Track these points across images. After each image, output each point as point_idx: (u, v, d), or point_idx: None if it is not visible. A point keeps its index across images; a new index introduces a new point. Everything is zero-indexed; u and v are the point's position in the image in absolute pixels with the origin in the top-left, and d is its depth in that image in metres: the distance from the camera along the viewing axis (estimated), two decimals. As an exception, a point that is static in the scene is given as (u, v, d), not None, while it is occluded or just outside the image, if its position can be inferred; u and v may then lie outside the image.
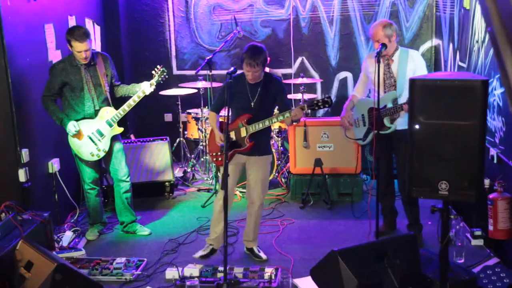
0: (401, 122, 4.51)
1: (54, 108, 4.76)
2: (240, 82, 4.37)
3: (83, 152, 4.81)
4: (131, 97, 4.87)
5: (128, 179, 5.02)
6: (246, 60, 4.22)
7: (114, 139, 4.90)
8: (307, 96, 6.42)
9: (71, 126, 4.70)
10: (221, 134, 4.49)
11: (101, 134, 4.81)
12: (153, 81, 4.90)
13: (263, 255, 4.56)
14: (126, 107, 4.83)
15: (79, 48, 4.59)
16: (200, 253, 4.56)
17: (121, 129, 4.95)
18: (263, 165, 4.49)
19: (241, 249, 4.70)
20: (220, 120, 4.72)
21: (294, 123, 4.80)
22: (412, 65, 4.53)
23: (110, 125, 4.83)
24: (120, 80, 5.17)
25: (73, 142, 4.80)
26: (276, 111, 4.74)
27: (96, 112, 4.80)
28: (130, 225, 5.09)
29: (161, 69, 4.97)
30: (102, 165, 5.13)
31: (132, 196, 5.11)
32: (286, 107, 4.43)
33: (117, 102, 4.99)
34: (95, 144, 4.81)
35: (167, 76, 5.05)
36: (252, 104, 4.39)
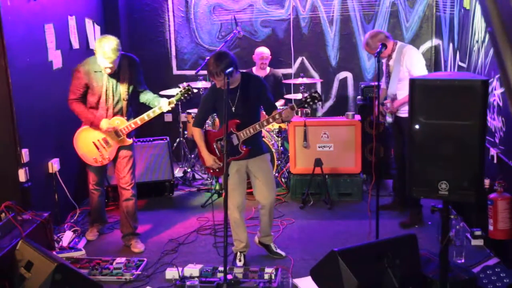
0: (404, 110, 4.85)
1: (82, 110, 4.60)
2: (218, 90, 4.23)
3: (86, 156, 4.75)
4: (150, 107, 4.69)
5: (129, 187, 4.81)
6: (208, 73, 4.13)
7: (122, 147, 4.76)
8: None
9: (105, 124, 4.58)
10: (210, 156, 4.40)
11: (108, 143, 4.70)
12: (173, 99, 4.68)
13: (281, 252, 4.60)
14: (138, 121, 4.65)
15: (103, 64, 4.44)
16: (239, 264, 4.43)
17: (130, 141, 4.75)
18: (265, 164, 4.45)
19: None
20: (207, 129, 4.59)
21: (285, 123, 4.81)
22: (403, 60, 4.90)
23: (119, 136, 4.68)
24: (145, 86, 4.86)
25: (78, 146, 4.74)
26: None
27: None
28: (127, 237, 4.90)
29: (187, 88, 4.72)
30: (107, 167, 5.07)
31: (134, 205, 4.87)
32: (271, 105, 4.38)
33: (138, 107, 4.90)
34: (100, 151, 4.71)
35: (192, 95, 4.76)
36: (233, 109, 4.26)
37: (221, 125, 4.38)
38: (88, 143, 4.72)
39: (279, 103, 6.56)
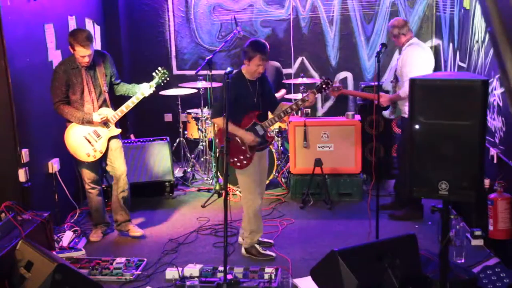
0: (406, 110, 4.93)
1: (69, 110, 4.69)
2: (241, 82, 4.38)
3: (79, 153, 4.79)
4: (130, 96, 4.87)
5: (125, 178, 4.95)
6: (260, 56, 4.28)
7: (111, 137, 4.87)
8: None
9: (96, 117, 4.71)
10: (248, 133, 4.42)
11: (98, 135, 4.79)
12: (153, 83, 4.89)
13: (268, 240, 4.83)
14: (124, 109, 4.81)
15: (83, 53, 4.56)
16: (269, 252, 4.59)
17: (119, 130, 4.90)
18: (266, 156, 4.71)
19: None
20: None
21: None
22: (401, 58, 5.03)
23: (108, 126, 4.81)
24: (120, 79, 5.12)
25: (70, 143, 4.78)
26: None
27: None
28: (124, 224, 5.03)
29: (162, 71, 4.96)
30: (102, 165, 5.12)
31: (129, 195, 5.04)
32: (276, 99, 4.71)
33: (117, 100, 4.98)
34: (92, 145, 4.78)
35: (168, 78, 5.04)
36: (255, 100, 4.44)
37: (241, 117, 4.42)
38: (80, 138, 4.77)
39: (280, 93, 6.60)
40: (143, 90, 4.85)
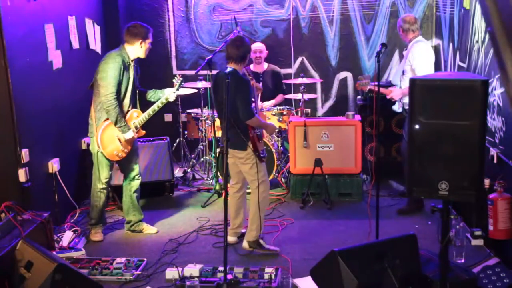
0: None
1: (119, 113, 4.71)
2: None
3: (108, 151, 4.81)
4: (151, 101, 4.98)
5: (139, 178, 5.07)
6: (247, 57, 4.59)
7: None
8: (307, 96, 6.42)
9: (130, 135, 4.79)
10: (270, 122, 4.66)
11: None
12: (175, 89, 4.97)
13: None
14: (151, 112, 4.88)
15: (151, 39, 4.79)
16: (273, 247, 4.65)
17: (144, 132, 4.99)
18: None
19: (241, 249, 4.70)
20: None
21: None
22: (408, 54, 5.15)
23: (136, 128, 4.86)
24: None
25: (103, 138, 4.79)
26: None
27: (126, 113, 4.84)
28: (137, 224, 5.09)
29: (181, 79, 5.03)
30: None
31: (139, 195, 5.14)
32: None
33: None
34: (123, 145, 4.82)
35: (184, 84, 5.14)
36: None
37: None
38: (114, 137, 4.81)
39: (278, 99, 6.61)
40: (168, 95, 4.93)
